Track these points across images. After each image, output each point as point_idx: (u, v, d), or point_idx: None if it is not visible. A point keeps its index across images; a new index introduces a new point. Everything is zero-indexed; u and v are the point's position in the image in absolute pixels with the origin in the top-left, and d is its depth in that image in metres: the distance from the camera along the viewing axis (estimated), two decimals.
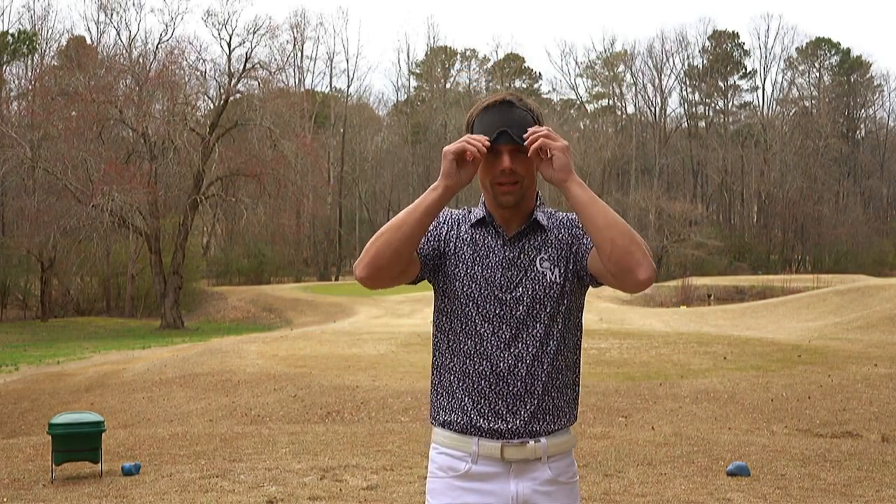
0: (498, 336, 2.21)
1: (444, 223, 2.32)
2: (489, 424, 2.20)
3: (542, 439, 2.22)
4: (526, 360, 2.20)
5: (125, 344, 28.72)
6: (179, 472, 7.46)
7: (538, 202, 2.32)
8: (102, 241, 42.19)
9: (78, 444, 7.44)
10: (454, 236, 2.30)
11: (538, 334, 2.21)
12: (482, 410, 2.21)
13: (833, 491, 6.63)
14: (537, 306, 2.21)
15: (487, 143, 2.12)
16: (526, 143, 2.10)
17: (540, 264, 2.23)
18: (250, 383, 15.15)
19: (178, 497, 6.44)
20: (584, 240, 2.24)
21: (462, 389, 2.24)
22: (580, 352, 2.33)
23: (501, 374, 2.20)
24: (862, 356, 16.29)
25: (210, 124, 40.97)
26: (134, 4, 78.20)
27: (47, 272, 42.24)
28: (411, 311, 34.43)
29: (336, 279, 63.38)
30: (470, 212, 2.35)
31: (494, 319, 2.21)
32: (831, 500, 6.32)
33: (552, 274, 2.23)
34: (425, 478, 2.36)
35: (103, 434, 7.93)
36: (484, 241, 2.27)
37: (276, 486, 6.76)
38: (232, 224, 55.41)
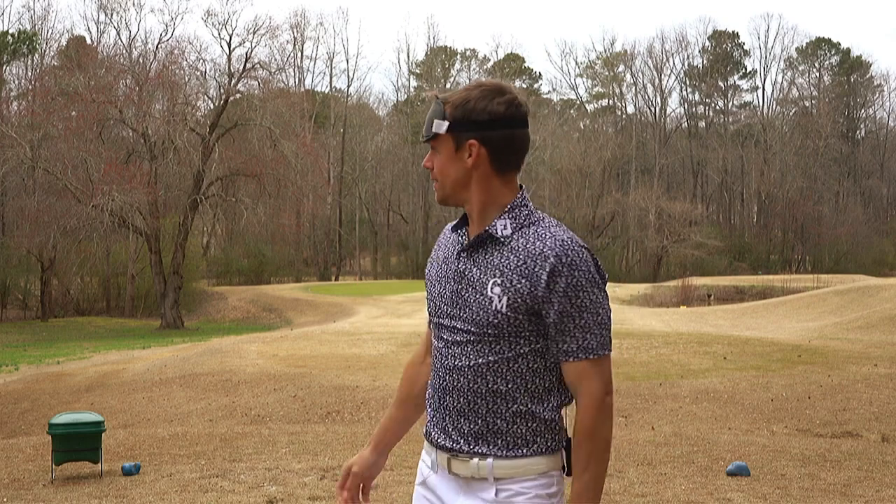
0: (447, 349, 2.10)
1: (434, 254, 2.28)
2: (438, 438, 2.14)
3: (489, 459, 2.04)
4: (468, 376, 2.06)
5: (125, 344, 28.72)
6: (179, 472, 7.46)
7: (513, 205, 2.07)
8: (102, 241, 42.19)
9: (78, 444, 7.44)
10: (433, 255, 2.26)
11: (482, 351, 2.04)
12: (436, 422, 2.15)
13: (833, 491, 6.63)
14: (481, 329, 2.04)
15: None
16: None
17: (491, 289, 2.02)
18: (250, 383, 15.15)
19: (178, 497, 6.43)
20: (563, 328, 2.00)
21: (428, 400, 2.20)
22: (556, 377, 2.06)
23: (447, 388, 2.10)
24: (862, 356, 16.28)
25: (210, 124, 40.95)
26: (134, 4, 78.03)
27: (47, 272, 42.26)
28: (411, 311, 34.40)
29: (336, 279, 63.38)
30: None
31: (444, 333, 2.12)
32: (831, 500, 6.32)
33: (499, 302, 2.00)
34: None
35: (103, 434, 7.92)
36: (448, 250, 2.17)
37: (276, 486, 6.76)
38: (232, 224, 55.49)
